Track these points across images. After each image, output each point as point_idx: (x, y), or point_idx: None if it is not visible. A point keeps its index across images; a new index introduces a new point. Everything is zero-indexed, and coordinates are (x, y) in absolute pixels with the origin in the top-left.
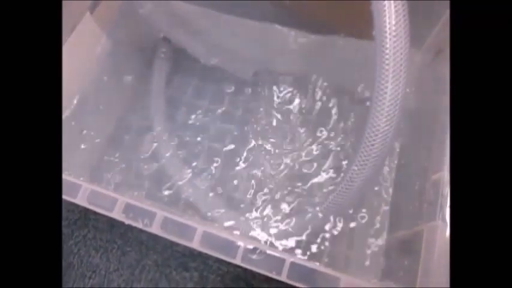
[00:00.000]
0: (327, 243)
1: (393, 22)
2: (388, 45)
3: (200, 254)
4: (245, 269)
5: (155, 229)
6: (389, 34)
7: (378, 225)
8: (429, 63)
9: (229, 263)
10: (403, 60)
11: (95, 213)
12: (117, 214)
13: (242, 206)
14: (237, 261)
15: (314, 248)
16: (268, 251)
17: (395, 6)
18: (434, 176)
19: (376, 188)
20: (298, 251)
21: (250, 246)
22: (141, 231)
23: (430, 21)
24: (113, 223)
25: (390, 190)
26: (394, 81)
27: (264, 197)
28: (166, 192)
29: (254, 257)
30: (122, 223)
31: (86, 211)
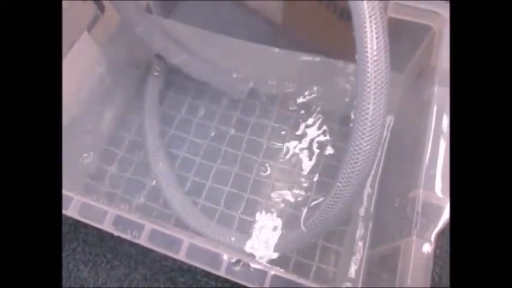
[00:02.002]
0: (311, 258)
1: (374, 47)
2: (369, 69)
3: (189, 269)
4: (233, 284)
5: (143, 241)
6: (371, 59)
7: (360, 240)
8: (411, 85)
9: (217, 278)
10: (384, 82)
11: (85, 226)
12: (107, 226)
13: (231, 221)
14: (221, 272)
15: (298, 263)
16: (252, 264)
17: (376, 32)
18: (411, 193)
19: (359, 204)
20: (283, 265)
21: (234, 259)
22: (130, 245)
23: (412, 45)
24: (102, 237)
25: (372, 206)
26: (376, 103)
27: (252, 213)
28: (157, 207)
29: (237, 269)
30: (112, 237)
31: (76, 224)
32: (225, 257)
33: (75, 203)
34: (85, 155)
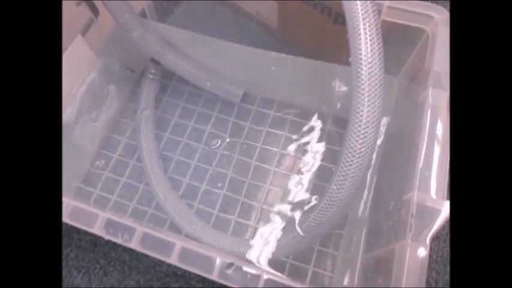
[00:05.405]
0: (307, 263)
1: (368, 49)
2: (363, 71)
3: (183, 274)
4: None
5: (134, 244)
6: (365, 61)
7: (355, 244)
8: (405, 88)
9: (212, 284)
10: (378, 84)
11: (78, 232)
12: (98, 230)
13: (226, 225)
14: (214, 276)
15: (294, 267)
16: (245, 267)
17: (370, 34)
18: (406, 196)
19: (354, 207)
20: (278, 270)
21: (227, 262)
22: (124, 250)
23: (406, 48)
24: (96, 242)
25: (367, 209)
26: (370, 105)
27: (247, 217)
28: (151, 211)
29: (230, 272)
30: (105, 242)
31: (69, 230)
32: (218, 260)
33: (66, 207)
34: (78, 158)
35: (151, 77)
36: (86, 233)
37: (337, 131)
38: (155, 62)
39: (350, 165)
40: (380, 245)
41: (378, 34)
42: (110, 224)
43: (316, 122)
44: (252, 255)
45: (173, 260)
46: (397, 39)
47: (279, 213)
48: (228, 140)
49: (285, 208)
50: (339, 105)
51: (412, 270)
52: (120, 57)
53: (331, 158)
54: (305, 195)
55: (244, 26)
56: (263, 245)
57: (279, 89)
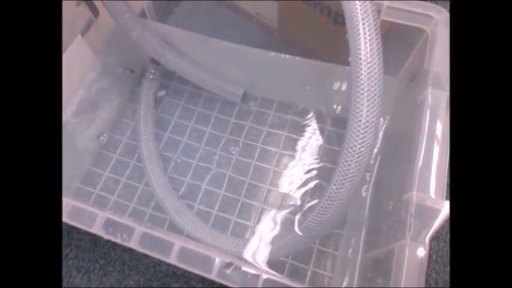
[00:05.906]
0: (307, 263)
1: (368, 49)
2: (362, 71)
3: (183, 274)
4: None
5: (133, 244)
6: (364, 60)
7: (355, 244)
8: (404, 88)
9: (212, 284)
10: (377, 84)
11: (78, 232)
12: (97, 229)
13: (226, 225)
14: (213, 276)
15: (294, 268)
16: (243, 267)
17: (369, 34)
18: (405, 195)
19: (353, 207)
20: (278, 270)
21: (226, 262)
22: (124, 250)
23: (405, 48)
24: (95, 242)
25: (366, 209)
26: (369, 105)
27: (247, 217)
28: (151, 211)
29: (229, 272)
30: (105, 242)
31: (69, 230)
32: (217, 260)
33: (65, 207)
34: (77, 157)
35: (151, 77)
36: (86, 232)
37: (336, 131)
38: (155, 62)
39: (349, 165)
40: (379, 245)
41: (377, 34)
42: (109, 224)
43: (315, 122)
44: (251, 255)
45: (172, 259)
46: (397, 39)
47: (278, 213)
48: (227, 139)
49: (285, 208)
50: (338, 105)
51: (411, 270)
52: (120, 57)
53: (330, 158)
54: (304, 195)
55: (244, 26)
56: (262, 244)
57: (279, 89)
